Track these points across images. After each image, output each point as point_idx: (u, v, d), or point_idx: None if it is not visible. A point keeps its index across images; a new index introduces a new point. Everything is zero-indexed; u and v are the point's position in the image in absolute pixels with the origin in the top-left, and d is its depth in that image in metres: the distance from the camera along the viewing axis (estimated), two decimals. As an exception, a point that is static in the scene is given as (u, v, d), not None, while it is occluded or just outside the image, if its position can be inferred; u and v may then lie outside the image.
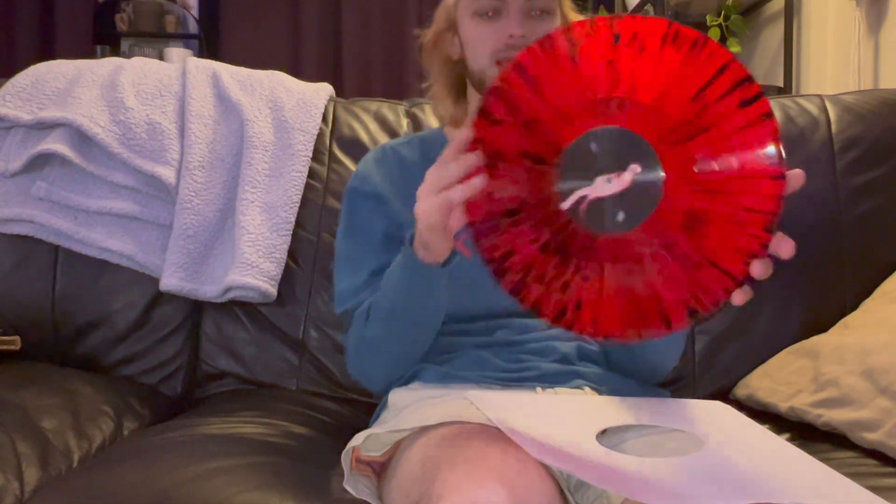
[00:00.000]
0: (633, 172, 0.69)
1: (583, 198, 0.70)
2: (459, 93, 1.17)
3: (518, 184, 0.73)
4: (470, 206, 0.75)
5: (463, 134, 0.75)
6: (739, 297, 0.68)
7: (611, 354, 1.05)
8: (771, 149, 0.68)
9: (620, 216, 0.69)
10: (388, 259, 1.07)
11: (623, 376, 1.05)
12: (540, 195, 0.72)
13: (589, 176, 0.70)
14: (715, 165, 0.68)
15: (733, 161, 0.67)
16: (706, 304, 0.68)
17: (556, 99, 0.71)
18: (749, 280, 0.67)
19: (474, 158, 0.74)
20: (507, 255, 0.74)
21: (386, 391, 1.07)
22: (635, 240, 0.70)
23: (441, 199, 0.76)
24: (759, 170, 0.67)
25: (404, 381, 1.04)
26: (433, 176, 0.79)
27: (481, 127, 0.74)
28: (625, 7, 3.13)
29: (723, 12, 2.72)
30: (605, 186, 0.70)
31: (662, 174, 0.69)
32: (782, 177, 0.68)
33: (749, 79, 0.67)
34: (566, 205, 0.71)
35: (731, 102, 0.67)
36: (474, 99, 1.13)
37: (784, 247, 0.71)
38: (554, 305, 0.73)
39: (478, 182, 0.74)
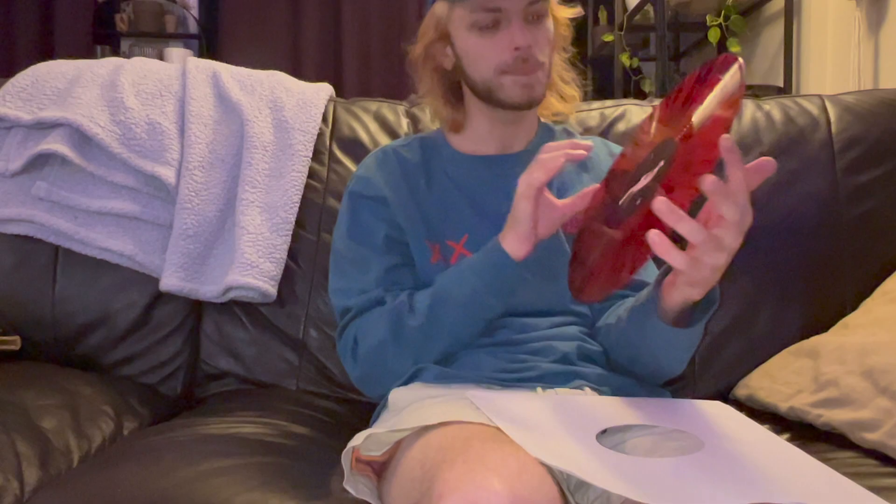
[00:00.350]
0: (657, 166, 0.83)
1: (631, 193, 0.86)
2: (457, 99, 1.17)
3: (608, 194, 0.94)
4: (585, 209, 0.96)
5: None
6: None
7: (611, 352, 1.05)
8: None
9: (638, 202, 0.84)
10: (392, 261, 1.08)
11: (622, 376, 1.04)
12: (611, 197, 0.92)
13: (639, 175, 0.87)
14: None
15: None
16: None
17: (661, 126, 0.90)
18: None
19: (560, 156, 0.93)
20: (583, 245, 0.94)
21: (383, 395, 1.07)
22: (631, 224, 0.83)
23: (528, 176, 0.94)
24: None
25: (404, 381, 1.04)
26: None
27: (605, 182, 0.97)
28: (625, 7, 3.13)
29: (723, 12, 2.72)
30: (642, 182, 0.85)
31: (673, 165, 0.81)
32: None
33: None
34: (622, 200, 0.87)
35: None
36: (474, 105, 1.13)
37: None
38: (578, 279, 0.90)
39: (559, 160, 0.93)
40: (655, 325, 0.91)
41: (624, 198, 0.87)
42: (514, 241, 0.96)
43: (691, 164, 0.76)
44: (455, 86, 1.15)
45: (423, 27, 1.12)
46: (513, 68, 1.04)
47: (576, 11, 1.14)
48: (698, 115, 0.80)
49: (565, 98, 1.19)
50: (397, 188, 1.13)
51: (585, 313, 1.10)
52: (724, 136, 0.73)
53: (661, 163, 0.81)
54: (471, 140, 1.16)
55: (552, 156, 0.94)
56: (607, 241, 0.87)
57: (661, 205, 0.73)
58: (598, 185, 0.97)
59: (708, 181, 0.72)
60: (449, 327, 1.01)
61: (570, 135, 1.23)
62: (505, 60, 1.04)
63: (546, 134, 1.20)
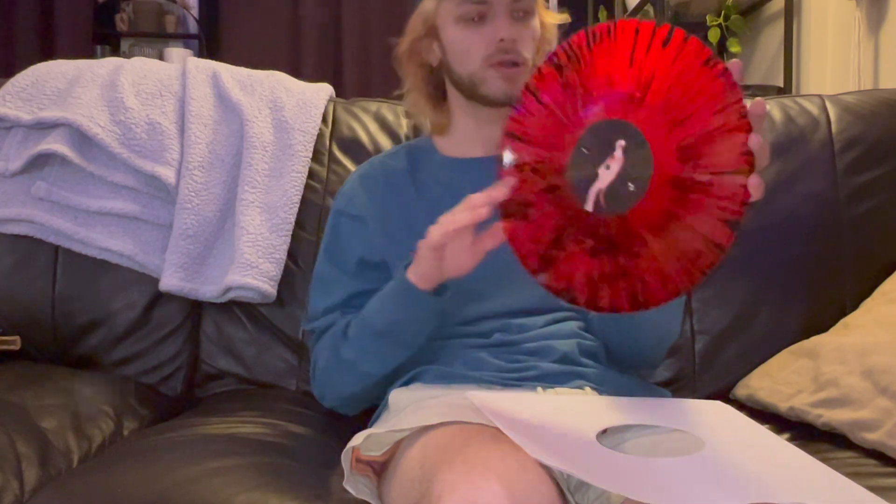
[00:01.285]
0: (620, 147, 0.78)
1: (598, 192, 0.79)
2: (439, 100, 1.17)
3: (551, 217, 0.83)
4: (523, 255, 0.85)
5: (482, 199, 0.86)
6: (760, 158, 0.75)
7: (604, 341, 1.05)
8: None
9: (631, 186, 0.78)
10: (359, 287, 1.11)
11: (623, 375, 1.05)
12: (569, 213, 0.81)
13: (592, 174, 0.79)
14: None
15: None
16: (736, 209, 0.75)
17: (544, 138, 0.83)
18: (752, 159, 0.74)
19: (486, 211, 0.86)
20: (569, 279, 0.83)
21: (350, 412, 1.12)
22: (655, 198, 0.77)
23: (446, 223, 0.88)
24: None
25: (404, 381, 1.04)
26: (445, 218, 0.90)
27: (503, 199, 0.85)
28: (625, 7, 3.13)
29: (723, 12, 2.72)
30: (607, 173, 0.79)
31: (640, 132, 0.77)
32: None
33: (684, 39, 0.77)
34: (589, 206, 0.80)
35: (665, 55, 0.77)
36: (457, 104, 1.13)
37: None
38: (625, 298, 0.81)
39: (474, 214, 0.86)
40: None
41: (589, 200, 0.80)
42: (416, 280, 0.96)
43: (673, 121, 0.76)
44: (440, 85, 1.16)
45: (410, 23, 1.13)
46: (496, 61, 1.05)
47: (562, 17, 1.15)
48: (629, 77, 0.78)
49: None
50: (382, 203, 1.14)
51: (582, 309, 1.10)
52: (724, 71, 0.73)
53: (621, 142, 0.78)
54: (458, 143, 1.16)
55: (467, 214, 0.88)
56: (632, 251, 0.80)
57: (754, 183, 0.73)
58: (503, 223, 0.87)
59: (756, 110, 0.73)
60: (376, 356, 1.03)
61: None
62: (490, 53, 1.04)
63: None
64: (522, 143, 0.84)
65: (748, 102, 0.75)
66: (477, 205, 0.86)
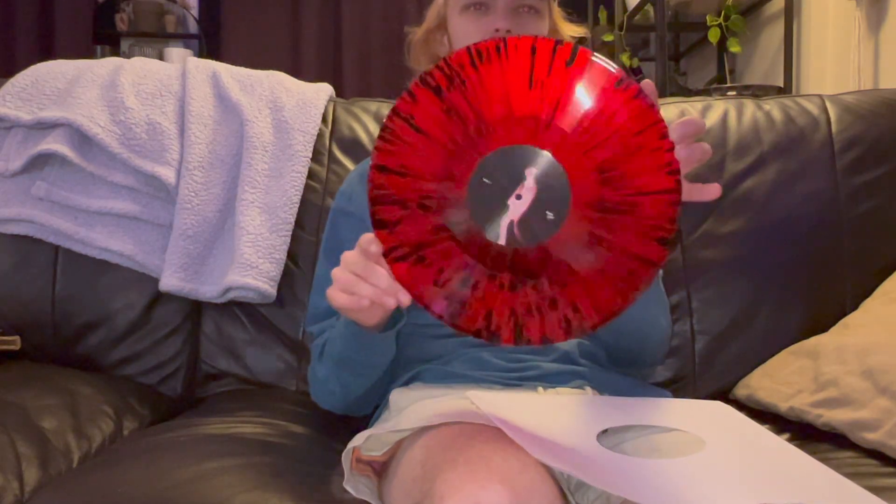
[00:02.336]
0: (531, 175, 0.72)
1: (510, 224, 0.73)
2: None
3: (452, 255, 0.76)
4: (426, 300, 0.77)
5: (370, 248, 0.77)
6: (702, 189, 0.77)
7: (606, 345, 1.05)
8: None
9: (550, 215, 0.72)
10: None
11: (624, 375, 1.05)
12: (476, 249, 0.75)
13: (500, 206, 0.73)
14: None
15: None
16: (667, 227, 0.72)
17: (428, 170, 0.74)
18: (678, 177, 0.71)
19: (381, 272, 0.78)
20: (487, 318, 0.76)
21: (350, 414, 1.11)
22: (576, 224, 0.73)
23: (352, 300, 0.81)
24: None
25: (405, 381, 1.04)
26: (341, 276, 0.81)
27: (386, 239, 0.77)
28: (625, 7, 3.13)
29: (723, 12, 2.73)
30: (519, 203, 0.73)
31: (553, 157, 0.71)
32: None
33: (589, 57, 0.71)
34: (502, 240, 0.73)
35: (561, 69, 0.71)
36: None
37: (709, 191, 0.78)
38: (558, 327, 0.75)
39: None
40: None
41: (502, 235, 0.73)
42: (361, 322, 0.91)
43: (589, 144, 0.71)
44: None
45: (428, 13, 1.15)
46: None
47: (579, 30, 1.15)
48: (531, 99, 0.71)
49: None
50: None
51: None
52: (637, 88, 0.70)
53: (532, 169, 0.72)
54: None
55: (361, 292, 0.80)
56: (553, 277, 0.75)
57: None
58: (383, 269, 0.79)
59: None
60: (338, 380, 1.03)
61: None
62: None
63: None
64: (400, 177, 0.75)
65: (688, 113, 0.74)
66: (356, 281, 0.79)
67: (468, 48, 0.72)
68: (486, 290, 0.76)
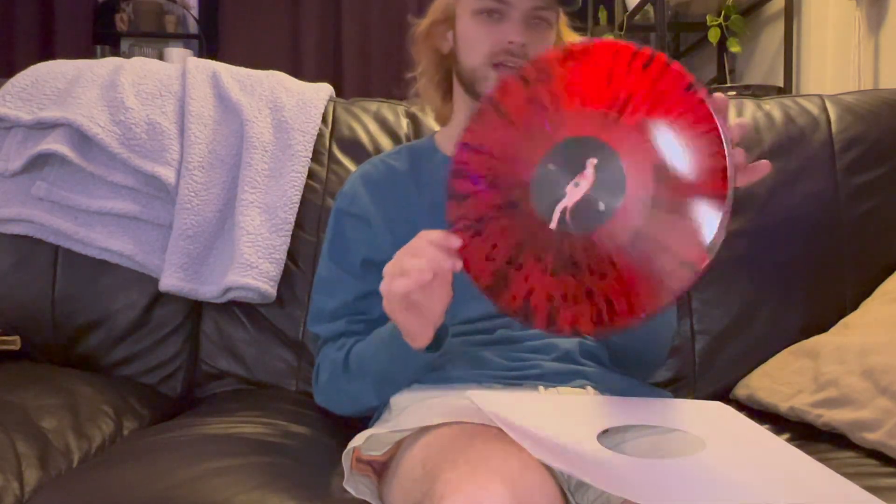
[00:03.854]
0: (591, 165, 0.76)
1: (564, 210, 0.77)
2: (447, 91, 1.17)
3: (507, 233, 0.80)
4: (476, 272, 0.82)
5: (450, 243, 0.81)
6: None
7: (613, 344, 1.05)
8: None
9: (601, 206, 0.76)
10: (365, 288, 1.09)
11: (624, 375, 1.05)
12: (530, 230, 0.79)
13: (559, 191, 0.78)
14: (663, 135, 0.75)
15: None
16: (713, 233, 0.72)
17: (503, 151, 0.81)
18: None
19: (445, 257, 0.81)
20: (527, 298, 0.79)
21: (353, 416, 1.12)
22: (626, 217, 0.75)
23: (385, 285, 0.84)
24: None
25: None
26: (397, 266, 0.83)
27: (453, 210, 0.83)
28: (625, 7, 3.13)
29: (723, 12, 2.73)
30: (576, 190, 0.77)
31: (615, 150, 0.75)
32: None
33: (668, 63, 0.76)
34: (554, 224, 0.78)
35: (644, 76, 0.76)
36: (460, 99, 1.14)
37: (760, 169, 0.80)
38: (588, 319, 0.77)
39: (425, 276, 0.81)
40: None
41: (554, 218, 0.78)
42: (411, 341, 0.91)
43: (650, 141, 0.74)
44: (447, 76, 1.16)
45: (432, 6, 1.14)
46: (500, 61, 1.05)
47: (584, 41, 1.15)
48: (605, 95, 0.77)
49: None
50: (384, 203, 1.13)
51: None
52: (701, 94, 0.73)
53: (593, 160, 0.76)
54: None
55: (419, 266, 0.81)
56: (604, 264, 0.77)
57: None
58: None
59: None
60: (374, 391, 1.03)
61: None
62: (496, 52, 1.04)
63: None
64: (479, 155, 0.82)
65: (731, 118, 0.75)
66: (433, 259, 0.81)
67: (561, 48, 0.80)
68: (530, 271, 0.79)
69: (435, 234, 0.82)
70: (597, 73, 0.77)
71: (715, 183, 0.72)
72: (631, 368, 1.07)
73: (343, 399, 1.09)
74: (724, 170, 0.72)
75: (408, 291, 0.82)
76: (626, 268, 0.75)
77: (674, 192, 0.73)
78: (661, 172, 0.74)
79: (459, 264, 0.82)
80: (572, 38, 1.14)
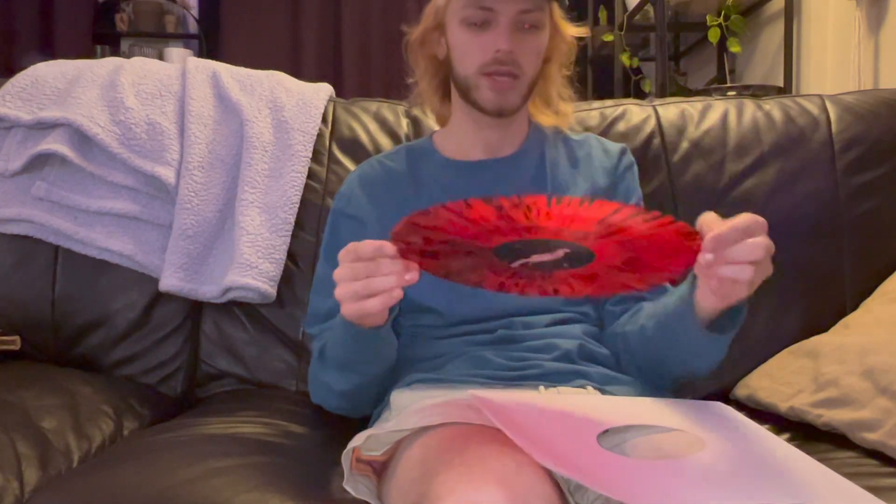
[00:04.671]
0: (562, 251, 0.77)
1: (527, 263, 0.79)
2: (445, 93, 1.18)
3: (463, 259, 0.81)
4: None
5: (386, 251, 0.80)
6: None
7: (629, 359, 1.04)
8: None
9: (566, 265, 0.80)
10: None
11: (624, 376, 1.04)
12: (488, 261, 0.80)
13: (524, 257, 0.79)
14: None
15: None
16: (678, 279, 0.85)
17: (463, 233, 0.78)
18: None
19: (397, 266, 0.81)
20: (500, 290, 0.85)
21: (350, 415, 1.11)
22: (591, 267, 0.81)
23: (357, 307, 0.83)
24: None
25: (406, 382, 1.04)
26: (349, 271, 0.82)
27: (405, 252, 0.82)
28: (625, 7, 3.13)
29: (723, 12, 2.72)
30: (540, 257, 0.79)
31: (590, 249, 0.77)
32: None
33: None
34: (515, 266, 0.80)
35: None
36: (458, 103, 1.14)
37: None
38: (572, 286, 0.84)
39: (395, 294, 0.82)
40: (688, 330, 0.91)
41: (516, 263, 0.80)
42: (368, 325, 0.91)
43: (627, 251, 0.78)
44: (445, 79, 1.17)
45: (425, 12, 1.14)
46: (491, 70, 1.05)
47: (582, 31, 1.14)
48: (589, 219, 0.75)
49: (559, 113, 1.20)
50: (381, 204, 1.13)
51: (588, 312, 1.10)
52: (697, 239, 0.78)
53: (565, 249, 0.77)
54: (458, 144, 1.16)
55: (386, 285, 0.82)
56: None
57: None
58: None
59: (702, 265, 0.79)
60: (350, 381, 1.01)
61: (561, 136, 1.22)
62: (486, 62, 1.05)
63: (537, 136, 1.19)
64: (429, 231, 0.78)
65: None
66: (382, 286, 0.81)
67: (547, 194, 0.85)
68: (487, 277, 0.84)
69: (392, 250, 0.80)
70: (588, 213, 0.75)
71: (681, 270, 0.81)
72: (648, 374, 1.04)
73: (321, 390, 1.07)
74: (691, 262, 0.79)
75: (382, 309, 0.83)
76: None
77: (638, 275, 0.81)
78: (631, 265, 0.79)
79: (415, 276, 0.82)
80: (571, 30, 1.13)
